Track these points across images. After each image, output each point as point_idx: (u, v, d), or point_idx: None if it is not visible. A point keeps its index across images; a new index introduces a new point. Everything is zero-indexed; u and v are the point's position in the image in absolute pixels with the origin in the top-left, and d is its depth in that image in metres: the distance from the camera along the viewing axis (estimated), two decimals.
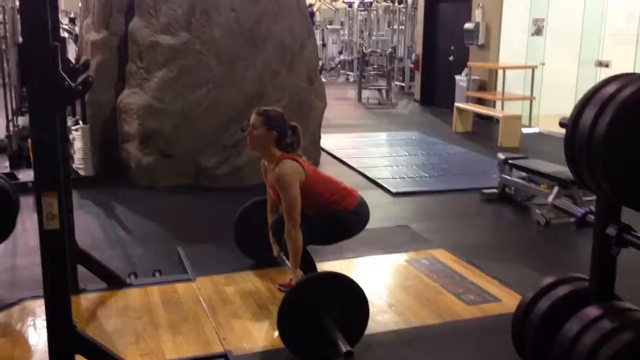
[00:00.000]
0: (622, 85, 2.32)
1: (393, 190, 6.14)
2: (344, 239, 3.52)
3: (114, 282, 3.62)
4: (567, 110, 2.52)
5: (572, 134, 2.38)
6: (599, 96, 2.35)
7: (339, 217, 3.37)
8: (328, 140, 7.57)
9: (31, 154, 2.84)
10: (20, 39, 7.16)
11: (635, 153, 2.24)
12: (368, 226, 5.01)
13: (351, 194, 3.44)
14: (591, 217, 4.68)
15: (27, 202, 4.95)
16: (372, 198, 5.94)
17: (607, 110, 2.25)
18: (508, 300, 3.49)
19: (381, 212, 5.53)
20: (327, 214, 3.37)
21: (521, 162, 5.71)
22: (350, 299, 2.97)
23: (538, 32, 10.18)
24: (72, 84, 2.63)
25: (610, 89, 2.34)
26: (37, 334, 3.10)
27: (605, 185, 2.30)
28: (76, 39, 8.82)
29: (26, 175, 5.85)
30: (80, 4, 8.75)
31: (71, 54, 8.98)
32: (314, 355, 2.94)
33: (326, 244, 3.59)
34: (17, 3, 6.98)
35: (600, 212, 2.50)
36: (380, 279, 3.89)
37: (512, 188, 5.81)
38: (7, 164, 6.53)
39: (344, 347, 2.73)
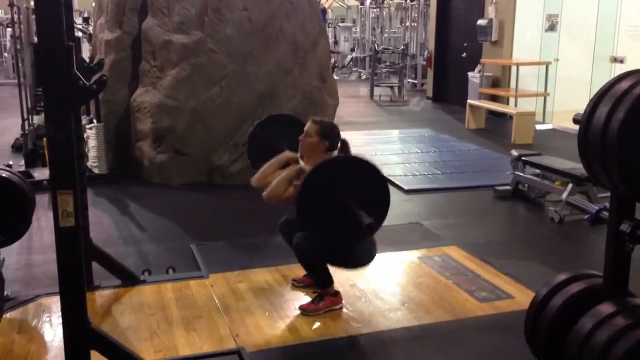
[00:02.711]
0: (636, 82, 2.30)
1: (405, 187, 6.13)
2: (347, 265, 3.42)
3: (128, 278, 3.65)
4: (582, 106, 2.50)
5: (585, 131, 2.37)
6: (613, 92, 2.33)
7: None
8: None
9: (46, 153, 2.87)
10: (35, 39, 7.23)
11: None
12: None
13: None
14: (605, 214, 4.65)
15: (42, 200, 5.00)
16: None
17: (621, 106, 2.24)
18: (521, 298, 3.48)
19: (393, 209, 5.46)
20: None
21: (535, 159, 5.68)
22: (371, 181, 3.00)
23: (552, 27, 10.10)
24: (87, 83, 2.66)
25: (624, 85, 2.32)
26: (52, 330, 3.14)
27: (618, 182, 2.28)
28: (90, 38, 8.89)
29: (41, 174, 5.91)
30: (93, 4, 8.82)
31: (85, 53, 9.06)
32: (331, 237, 3.03)
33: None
34: (32, 3, 7.04)
35: (614, 209, 2.48)
36: (393, 276, 3.89)
37: (526, 185, 5.79)
38: (23, 162, 6.60)
39: (367, 219, 2.77)
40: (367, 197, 2.96)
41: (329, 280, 3.36)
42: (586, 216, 4.96)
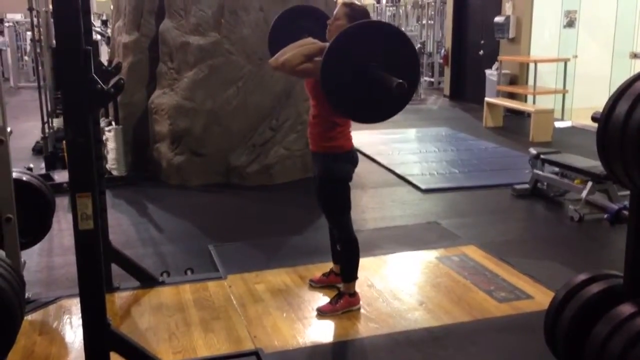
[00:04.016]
0: None
1: (423, 186, 6.11)
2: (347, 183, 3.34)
3: (147, 280, 3.68)
4: (601, 103, 2.47)
5: (604, 129, 2.34)
6: (633, 90, 2.30)
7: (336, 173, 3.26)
8: (356, 137, 7.45)
9: (66, 156, 2.90)
10: (54, 43, 7.32)
11: None
12: (398, 223, 5.07)
13: (350, 138, 3.33)
14: (625, 213, 4.59)
15: (62, 203, 5.06)
16: (402, 194, 5.95)
17: None
18: (540, 298, 3.45)
19: (411, 208, 5.51)
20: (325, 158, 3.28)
21: (554, 157, 5.62)
22: (398, 45, 2.90)
23: (570, 24, 9.99)
24: (105, 87, 2.68)
25: None
26: (73, 331, 3.17)
27: (638, 180, 2.25)
28: (108, 41, 8.96)
29: (61, 176, 5.98)
30: (112, 7, 8.90)
31: (103, 56, 9.15)
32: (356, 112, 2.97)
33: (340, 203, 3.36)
34: (51, 7, 7.12)
35: (634, 208, 2.45)
36: (411, 276, 3.88)
37: (545, 183, 5.73)
38: (43, 165, 6.68)
39: (395, 81, 2.70)
40: (395, 61, 2.85)
41: (355, 274, 3.37)
42: (606, 215, 4.90)
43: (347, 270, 3.38)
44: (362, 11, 3.19)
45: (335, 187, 3.27)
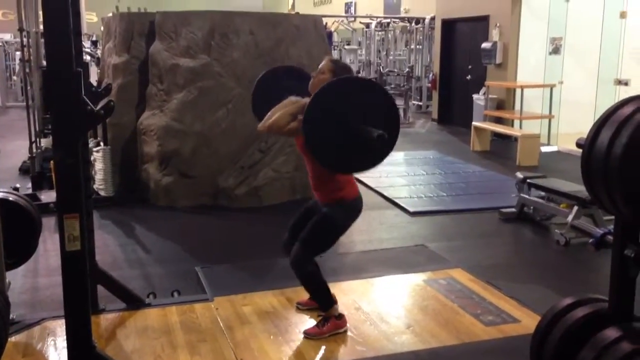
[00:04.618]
0: (638, 106, 2.32)
1: (411, 209, 6.14)
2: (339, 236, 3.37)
3: (133, 302, 3.66)
4: (586, 128, 2.51)
5: (588, 155, 2.38)
6: (616, 117, 2.34)
7: (333, 215, 3.29)
8: None
9: (54, 176, 2.90)
10: (44, 63, 7.32)
11: None
12: (386, 245, 5.07)
13: (354, 185, 3.38)
14: (610, 238, 4.63)
15: (48, 223, 5.02)
16: (390, 217, 5.97)
17: (624, 131, 2.25)
18: (527, 321, 3.46)
19: (399, 231, 5.53)
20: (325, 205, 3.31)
21: (540, 181, 5.68)
22: (378, 100, 2.95)
23: (556, 50, 10.16)
24: (94, 109, 2.69)
25: (627, 110, 2.33)
26: (57, 353, 3.13)
27: (622, 207, 2.29)
28: (98, 61, 8.99)
29: (48, 196, 5.95)
30: (102, 28, 8.94)
31: (93, 77, 9.16)
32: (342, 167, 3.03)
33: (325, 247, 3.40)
34: (42, 27, 7.14)
35: (618, 234, 2.48)
36: (398, 299, 3.88)
37: (531, 207, 5.78)
38: (30, 185, 6.64)
39: (376, 132, 2.76)
40: (376, 115, 2.91)
41: (330, 301, 3.35)
42: (591, 240, 4.94)
43: (319, 301, 3.37)
44: (346, 67, 3.32)
45: (328, 229, 3.29)
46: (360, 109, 2.90)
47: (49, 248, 4.75)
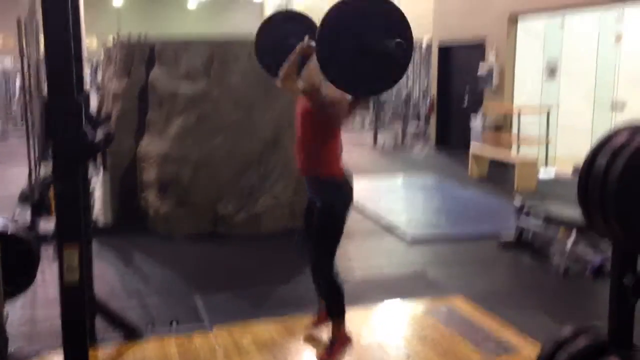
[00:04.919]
0: (633, 134, 2.35)
1: (409, 236, 6.13)
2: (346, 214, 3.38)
3: (131, 333, 3.64)
4: (584, 152, 2.53)
5: (585, 182, 2.40)
6: (611, 145, 2.37)
7: (333, 202, 3.31)
8: None
9: (52, 205, 2.90)
10: (45, 89, 7.36)
11: None
12: (385, 273, 5.06)
13: (341, 162, 3.38)
14: (608, 267, 4.63)
15: (47, 252, 5.00)
16: (388, 244, 5.96)
17: (619, 159, 2.27)
18: (527, 351, 3.44)
19: (397, 258, 5.52)
20: (321, 183, 3.33)
21: (538, 207, 5.68)
22: (383, 10, 2.88)
23: (552, 74, 10.25)
24: (95, 139, 2.71)
25: (622, 137, 2.36)
26: None
27: (620, 234, 2.30)
28: (98, 87, 9.05)
29: (47, 225, 5.93)
30: (102, 54, 9.02)
31: (93, 102, 9.20)
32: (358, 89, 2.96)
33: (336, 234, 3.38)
34: (42, 55, 7.20)
35: (616, 262, 2.49)
36: (397, 327, 3.86)
37: (530, 233, 5.78)
38: (29, 212, 6.62)
39: (393, 41, 2.69)
40: (385, 25, 2.84)
41: (343, 309, 3.40)
42: (588, 269, 4.94)
43: (334, 307, 3.40)
44: None
45: (333, 218, 3.31)
46: (369, 23, 2.82)
47: (47, 278, 4.72)
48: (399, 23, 2.88)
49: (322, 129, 3.27)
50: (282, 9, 3.88)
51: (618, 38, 9.30)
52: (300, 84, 3.19)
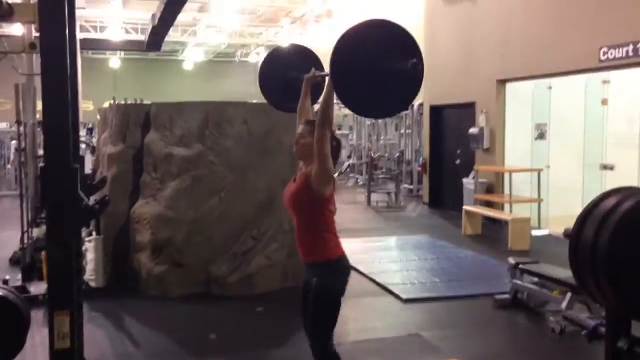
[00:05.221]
0: (621, 199, 2.39)
1: (403, 296, 6.09)
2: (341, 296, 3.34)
3: None
4: (576, 211, 2.57)
5: (575, 248, 2.43)
6: (599, 210, 2.41)
7: (332, 282, 3.27)
8: None
9: (44, 268, 2.89)
10: (40, 152, 7.43)
11: (638, 266, 2.27)
12: (379, 334, 5.01)
13: (339, 243, 3.36)
14: (602, 330, 4.60)
15: (37, 316, 4.94)
16: (383, 304, 5.92)
17: (608, 224, 2.31)
18: None
19: (392, 319, 5.47)
20: (319, 267, 3.30)
21: (532, 267, 5.69)
22: (390, 32, 2.90)
23: (541, 135, 10.43)
24: (90, 204, 2.74)
25: (610, 202, 2.41)
26: None
27: (612, 300, 2.31)
28: (93, 150, 9.13)
29: (38, 288, 5.86)
30: (98, 117, 9.15)
31: (88, 165, 9.27)
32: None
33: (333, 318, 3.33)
34: (38, 118, 7.29)
35: (610, 326, 2.49)
36: None
37: (525, 293, 5.76)
38: (19, 276, 6.56)
39: (407, 63, 2.72)
40: (395, 46, 2.88)
41: None
42: (583, 332, 4.89)
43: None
44: None
45: (328, 303, 3.28)
46: (384, 46, 2.87)
47: (36, 343, 4.64)
48: (412, 45, 2.96)
49: (311, 208, 3.26)
50: (277, 47, 3.96)
51: (604, 101, 9.53)
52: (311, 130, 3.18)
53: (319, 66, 3.57)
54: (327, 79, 3.10)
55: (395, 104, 3.05)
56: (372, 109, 3.07)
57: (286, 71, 3.65)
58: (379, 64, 2.87)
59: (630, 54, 7.83)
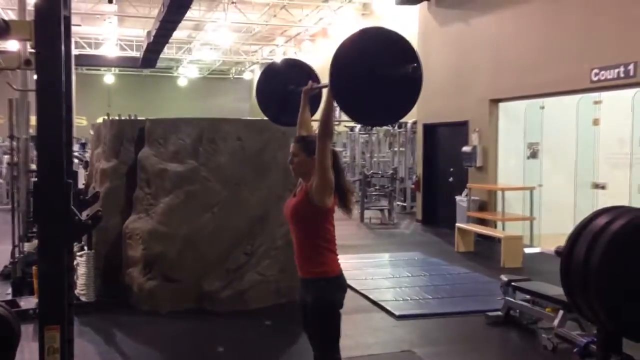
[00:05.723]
0: (612, 218, 2.41)
1: (396, 313, 6.08)
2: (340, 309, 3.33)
3: None
4: (568, 228, 2.59)
5: (567, 266, 2.44)
6: (591, 228, 2.43)
7: (328, 302, 3.25)
8: None
9: (35, 283, 2.88)
10: (32, 166, 7.41)
11: (629, 285, 2.28)
12: (372, 351, 4.99)
13: (337, 261, 3.34)
14: (593, 347, 4.60)
15: (27, 330, 4.90)
16: (376, 321, 5.90)
17: (599, 243, 2.32)
18: None
19: (385, 335, 5.46)
20: (315, 286, 3.27)
21: (524, 284, 5.69)
22: (387, 39, 2.89)
23: (534, 154, 10.50)
24: (82, 219, 2.73)
25: (601, 221, 2.43)
26: None
27: (603, 318, 2.32)
28: (86, 165, 9.12)
29: (28, 303, 5.82)
30: (91, 132, 9.14)
31: (81, 179, 9.25)
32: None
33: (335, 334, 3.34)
34: (31, 133, 7.28)
35: (601, 344, 2.50)
36: None
37: (517, 311, 5.76)
38: (10, 290, 6.52)
39: (406, 68, 2.71)
40: (394, 53, 2.87)
41: None
42: (575, 349, 4.89)
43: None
44: (313, 139, 3.29)
45: (328, 317, 3.26)
46: (383, 52, 2.88)
47: (26, 358, 4.60)
48: (410, 50, 2.97)
49: (312, 222, 3.25)
50: (272, 62, 3.99)
51: (595, 121, 9.61)
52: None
53: (315, 78, 3.59)
54: (324, 90, 3.12)
55: (395, 111, 3.05)
56: (373, 117, 3.06)
57: (283, 85, 3.67)
58: (378, 71, 2.87)
59: (622, 75, 7.92)
